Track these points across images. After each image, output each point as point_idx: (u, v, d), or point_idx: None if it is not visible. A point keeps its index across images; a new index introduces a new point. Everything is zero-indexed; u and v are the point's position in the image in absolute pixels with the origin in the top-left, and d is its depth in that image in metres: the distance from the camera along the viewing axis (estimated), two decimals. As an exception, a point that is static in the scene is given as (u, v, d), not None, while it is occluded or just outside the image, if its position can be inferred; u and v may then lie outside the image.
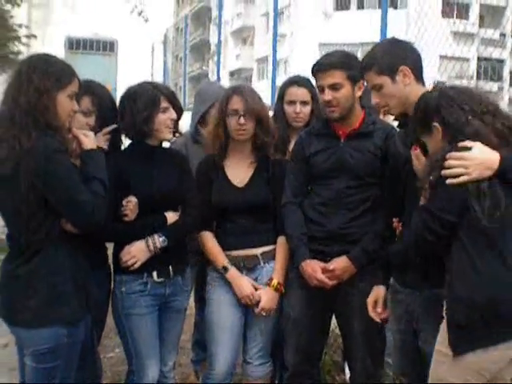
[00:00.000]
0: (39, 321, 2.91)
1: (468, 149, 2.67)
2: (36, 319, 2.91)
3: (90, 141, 3.13)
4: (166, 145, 3.89)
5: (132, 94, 3.52)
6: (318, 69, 3.53)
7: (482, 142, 2.68)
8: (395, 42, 3.28)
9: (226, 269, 3.69)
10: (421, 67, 3.20)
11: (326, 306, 3.64)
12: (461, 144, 2.69)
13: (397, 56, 3.13)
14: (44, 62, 3.00)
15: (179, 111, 3.62)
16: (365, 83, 3.48)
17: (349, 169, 3.53)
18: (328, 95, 3.48)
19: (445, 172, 2.68)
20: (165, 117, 3.51)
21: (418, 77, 3.16)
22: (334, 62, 3.49)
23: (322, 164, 3.60)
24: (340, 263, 3.49)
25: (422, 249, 2.84)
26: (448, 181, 2.67)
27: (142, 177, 3.52)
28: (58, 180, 2.86)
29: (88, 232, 3.02)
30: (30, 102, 2.88)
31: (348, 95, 3.49)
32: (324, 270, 3.49)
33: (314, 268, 3.51)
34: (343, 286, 3.53)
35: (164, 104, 3.51)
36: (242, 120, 3.64)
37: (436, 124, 2.81)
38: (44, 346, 2.92)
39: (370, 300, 3.36)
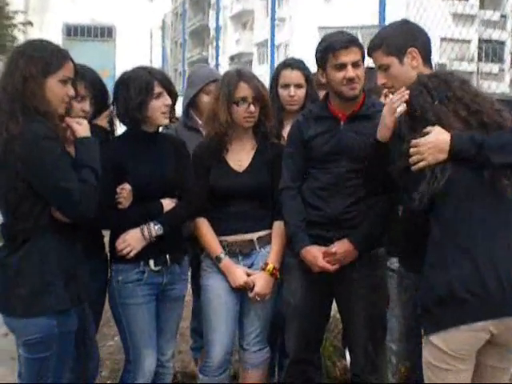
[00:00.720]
0: (28, 310, 2.88)
1: (428, 134, 2.73)
2: (25, 309, 2.88)
3: (84, 128, 3.06)
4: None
5: (125, 79, 3.46)
6: (341, 46, 3.42)
7: (444, 127, 2.72)
8: (406, 23, 3.25)
9: (219, 259, 3.65)
10: (429, 50, 3.18)
11: (326, 292, 3.60)
12: (424, 130, 2.75)
13: (406, 37, 3.10)
14: (33, 47, 2.96)
15: (174, 96, 3.55)
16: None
17: (349, 152, 3.47)
18: (352, 72, 3.41)
19: (410, 160, 2.75)
20: (159, 103, 3.45)
21: (426, 59, 3.13)
22: (354, 39, 3.47)
23: (321, 147, 3.54)
24: (342, 246, 3.45)
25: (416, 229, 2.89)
26: (412, 167, 2.75)
27: (138, 164, 3.47)
28: (44, 167, 2.81)
29: (77, 220, 2.96)
30: (17, 88, 2.84)
31: (363, 73, 3.46)
32: (325, 254, 3.45)
33: (314, 254, 3.47)
34: (344, 271, 3.48)
35: (158, 89, 3.44)
36: (252, 108, 3.60)
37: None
38: (34, 336, 2.89)
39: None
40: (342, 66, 3.41)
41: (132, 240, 3.40)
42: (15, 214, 2.88)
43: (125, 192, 3.38)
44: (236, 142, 3.73)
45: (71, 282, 2.97)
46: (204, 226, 3.71)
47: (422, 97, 2.82)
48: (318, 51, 3.51)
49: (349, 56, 3.40)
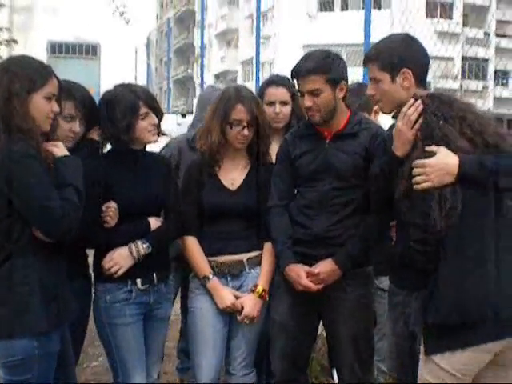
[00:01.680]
0: (7, 332, 2.82)
1: (433, 154, 2.69)
2: (4, 330, 2.82)
3: (60, 149, 3.00)
4: (155, 147, 3.81)
5: (110, 100, 3.41)
6: (297, 74, 3.46)
7: (450, 146, 2.70)
8: (408, 40, 3.14)
9: (207, 279, 3.59)
10: (426, 71, 3.11)
11: (312, 311, 3.56)
12: (428, 148, 2.72)
13: (403, 57, 3.03)
14: (16, 63, 2.92)
15: (160, 113, 3.52)
16: (347, 83, 3.44)
17: (334, 170, 3.45)
18: (308, 101, 3.41)
19: (413, 180, 2.72)
20: (145, 123, 3.41)
21: (420, 81, 3.06)
22: (311, 67, 3.40)
23: (307, 166, 3.53)
24: (325, 267, 3.41)
25: (419, 259, 2.83)
26: (414, 187, 2.71)
27: (124, 181, 3.43)
28: (24, 185, 2.76)
29: (57, 240, 2.90)
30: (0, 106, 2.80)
31: (328, 99, 3.41)
32: (309, 274, 3.42)
33: (298, 273, 3.43)
34: (330, 291, 3.44)
35: (143, 110, 3.41)
36: (245, 131, 3.57)
37: None
38: (14, 358, 2.83)
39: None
40: (300, 94, 3.48)
41: (120, 258, 3.35)
42: None
43: (110, 210, 3.33)
44: (229, 160, 3.70)
45: (52, 302, 2.91)
46: (193, 246, 3.65)
47: (428, 115, 2.79)
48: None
49: (305, 86, 3.41)
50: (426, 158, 2.71)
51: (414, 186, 2.71)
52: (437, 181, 2.66)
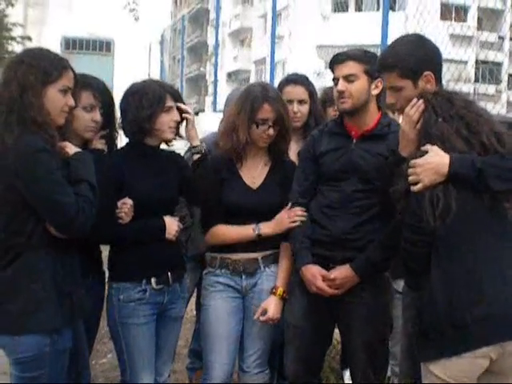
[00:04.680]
0: (20, 328, 2.79)
1: (426, 153, 2.67)
2: (16, 326, 2.80)
3: (70, 148, 2.99)
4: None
5: (137, 90, 3.43)
6: (335, 60, 3.43)
7: (445, 145, 2.67)
8: (422, 41, 3.09)
9: (257, 228, 3.58)
10: (441, 70, 3.07)
11: (327, 315, 3.51)
12: (422, 148, 2.69)
13: (422, 59, 2.98)
14: (32, 55, 2.89)
15: (182, 114, 3.53)
16: (382, 83, 3.34)
17: (358, 171, 3.40)
18: (341, 86, 3.37)
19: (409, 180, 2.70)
20: (168, 118, 3.42)
21: (439, 81, 3.03)
22: (351, 53, 3.41)
23: (331, 164, 3.48)
24: (342, 273, 3.36)
25: (416, 260, 2.80)
26: (411, 188, 2.69)
27: (139, 178, 3.41)
28: (38, 181, 2.73)
29: (71, 236, 2.87)
30: (14, 98, 2.77)
31: (362, 89, 3.38)
32: (324, 278, 3.37)
33: (313, 274, 3.39)
34: (345, 295, 3.40)
35: (169, 103, 3.42)
36: (271, 131, 3.55)
37: None
38: (26, 354, 2.80)
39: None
40: (335, 81, 3.44)
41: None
42: (7, 229, 2.80)
43: (125, 207, 3.31)
44: (250, 158, 3.68)
45: (66, 299, 2.88)
46: (222, 227, 3.63)
47: (427, 113, 2.77)
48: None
49: (341, 70, 3.40)
50: (420, 156, 2.68)
51: (411, 188, 2.68)
52: (427, 180, 2.63)
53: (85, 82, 3.32)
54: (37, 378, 2.84)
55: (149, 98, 3.36)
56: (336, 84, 3.43)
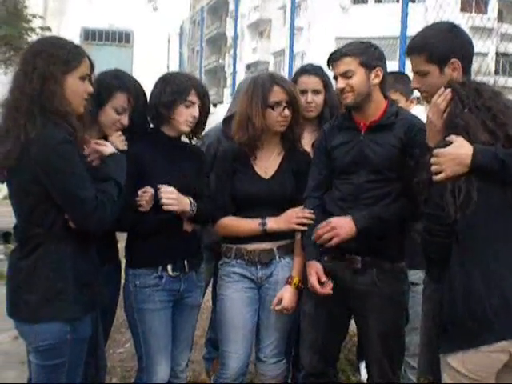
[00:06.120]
0: (39, 317, 2.80)
1: (450, 143, 2.61)
2: (36, 315, 2.80)
3: (109, 148, 3.07)
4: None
5: (166, 78, 3.54)
6: (331, 58, 3.45)
7: (469, 136, 2.61)
8: (453, 28, 3.06)
9: (263, 224, 3.57)
10: (471, 61, 3.05)
11: (343, 305, 3.51)
12: (447, 138, 2.63)
13: (452, 46, 2.96)
14: (49, 45, 2.88)
15: (206, 111, 3.56)
16: (384, 71, 3.38)
17: (369, 163, 3.40)
18: (340, 83, 3.40)
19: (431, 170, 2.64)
20: (187, 111, 3.46)
21: (467, 70, 3.00)
22: (345, 49, 3.41)
23: (342, 158, 3.49)
24: (340, 219, 3.36)
25: (435, 250, 2.78)
26: (433, 178, 2.62)
27: (159, 168, 3.44)
28: (60, 173, 2.74)
29: (86, 230, 2.86)
30: (35, 89, 2.76)
31: (362, 81, 3.38)
32: (319, 277, 3.39)
33: (310, 271, 3.42)
34: (360, 285, 3.40)
35: (191, 98, 3.46)
36: (286, 112, 3.55)
37: None
38: (46, 343, 2.81)
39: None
40: (335, 79, 3.47)
41: (181, 199, 3.41)
42: (29, 219, 2.81)
43: (147, 195, 3.33)
44: (263, 148, 3.68)
45: (85, 288, 2.89)
46: (232, 219, 3.64)
47: (454, 103, 2.73)
48: None
49: (338, 68, 3.41)
50: (444, 147, 2.63)
51: (433, 177, 2.63)
52: (450, 171, 2.56)
53: (124, 84, 3.39)
54: (58, 365, 2.85)
55: (173, 87, 3.43)
56: (336, 81, 3.47)
